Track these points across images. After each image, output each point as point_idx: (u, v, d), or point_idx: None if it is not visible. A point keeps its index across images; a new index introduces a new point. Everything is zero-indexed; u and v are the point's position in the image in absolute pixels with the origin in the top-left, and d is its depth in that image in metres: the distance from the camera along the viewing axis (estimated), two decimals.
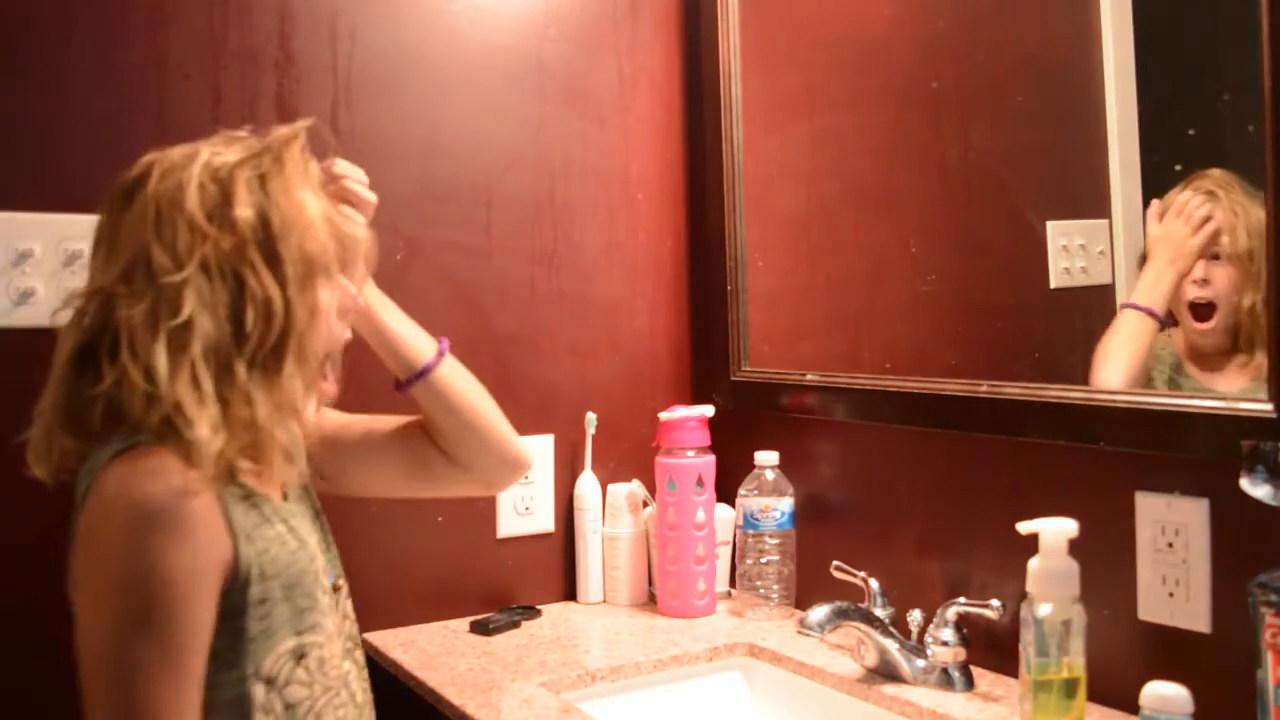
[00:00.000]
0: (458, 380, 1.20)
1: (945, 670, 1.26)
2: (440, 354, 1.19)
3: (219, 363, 0.91)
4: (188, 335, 0.90)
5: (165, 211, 0.93)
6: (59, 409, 0.95)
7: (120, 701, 0.86)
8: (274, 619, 0.95)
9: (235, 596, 0.93)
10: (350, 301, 1.05)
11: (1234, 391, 1.15)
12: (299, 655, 0.97)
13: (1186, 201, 1.19)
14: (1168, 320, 1.22)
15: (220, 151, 0.97)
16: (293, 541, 0.99)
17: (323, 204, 1.00)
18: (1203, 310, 1.19)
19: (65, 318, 0.97)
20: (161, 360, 0.89)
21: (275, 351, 0.94)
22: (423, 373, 1.17)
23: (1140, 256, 1.23)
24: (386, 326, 1.17)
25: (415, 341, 1.18)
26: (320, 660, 0.99)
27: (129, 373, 0.90)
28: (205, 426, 0.89)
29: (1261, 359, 1.08)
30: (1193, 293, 1.19)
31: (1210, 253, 1.17)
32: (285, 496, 1.04)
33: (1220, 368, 1.19)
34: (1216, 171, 1.17)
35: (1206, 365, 1.21)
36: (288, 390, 0.95)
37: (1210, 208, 1.17)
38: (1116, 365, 1.23)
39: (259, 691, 0.94)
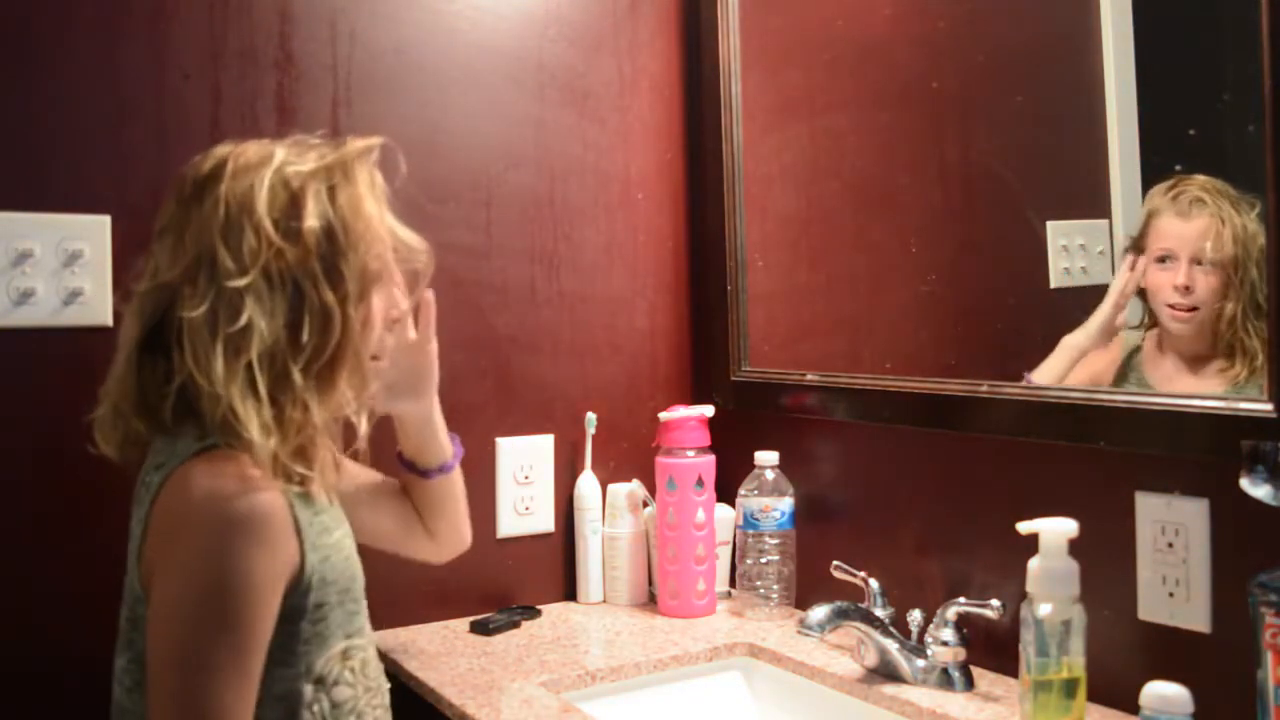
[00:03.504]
0: (459, 475, 1.32)
1: (945, 670, 1.26)
2: (458, 454, 1.30)
3: (275, 368, 0.95)
4: (245, 339, 0.93)
5: (234, 214, 0.95)
6: (130, 394, 0.99)
7: (189, 696, 0.89)
8: (328, 623, 0.99)
9: (296, 600, 0.96)
10: (398, 312, 1.10)
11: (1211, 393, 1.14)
12: (346, 657, 1.01)
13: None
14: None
15: (293, 160, 0.99)
16: (347, 548, 1.04)
17: (387, 217, 1.05)
18: (1182, 312, 1.19)
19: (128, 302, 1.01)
20: (218, 362, 0.92)
21: (331, 361, 0.98)
22: (448, 467, 1.29)
23: (1124, 252, 1.23)
24: (436, 424, 1.27)
25: (444, 438, 1.28)
26: (364, 662, 1.04)
27: (192, 371, 0.93)
28: (255, 428, 0.92)
29: (1241, 368, 1.11)
30: (1173, 299, 1.19)
31: (1196, 258, 1.17)
32: (330, 502, 1.06)
33: (1196, 372, 1.19)
34: (1201, 177, 1.16)
35: (1183, 367, 1.21)
36: (340, 398, 1.00)
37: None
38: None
39: (307, 690, 0.98)
